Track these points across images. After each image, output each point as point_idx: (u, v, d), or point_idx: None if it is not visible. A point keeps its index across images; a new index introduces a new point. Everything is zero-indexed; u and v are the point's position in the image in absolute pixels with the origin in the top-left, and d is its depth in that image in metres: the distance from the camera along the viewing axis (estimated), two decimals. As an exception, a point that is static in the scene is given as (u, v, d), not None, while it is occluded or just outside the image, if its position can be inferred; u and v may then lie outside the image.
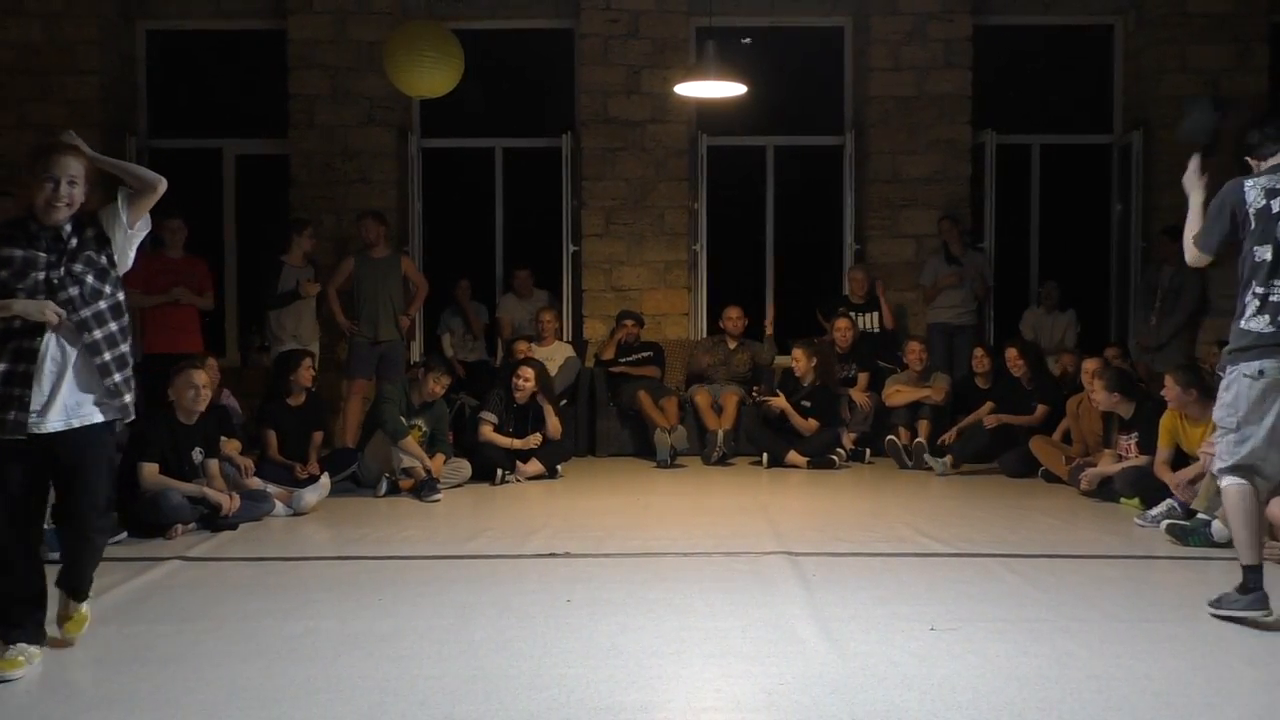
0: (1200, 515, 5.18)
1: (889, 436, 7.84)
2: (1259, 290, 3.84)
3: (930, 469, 7.52)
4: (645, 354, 8.64)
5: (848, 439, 8.10)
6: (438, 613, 3.99)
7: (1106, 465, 6.47)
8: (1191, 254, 4.09)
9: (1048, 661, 3.41)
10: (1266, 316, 3.81)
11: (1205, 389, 5.77)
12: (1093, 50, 9.61)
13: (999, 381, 7.83)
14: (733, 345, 8.69)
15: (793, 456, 7.77)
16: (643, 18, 9.11)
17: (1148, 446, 6.14)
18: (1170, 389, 5.76)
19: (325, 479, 6.36)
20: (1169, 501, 5.62)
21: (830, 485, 7.13)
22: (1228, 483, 3.95)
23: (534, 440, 7.27)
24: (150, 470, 5.41)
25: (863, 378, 8.39)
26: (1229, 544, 4.97)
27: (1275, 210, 3.82)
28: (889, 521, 5.75)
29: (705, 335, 9.24)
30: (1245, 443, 3.87)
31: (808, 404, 7.94)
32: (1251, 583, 3.86)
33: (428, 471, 6.62)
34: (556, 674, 3.30)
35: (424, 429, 6.92)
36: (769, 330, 8.95)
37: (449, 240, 9.66)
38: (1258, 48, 8.92)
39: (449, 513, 6.20)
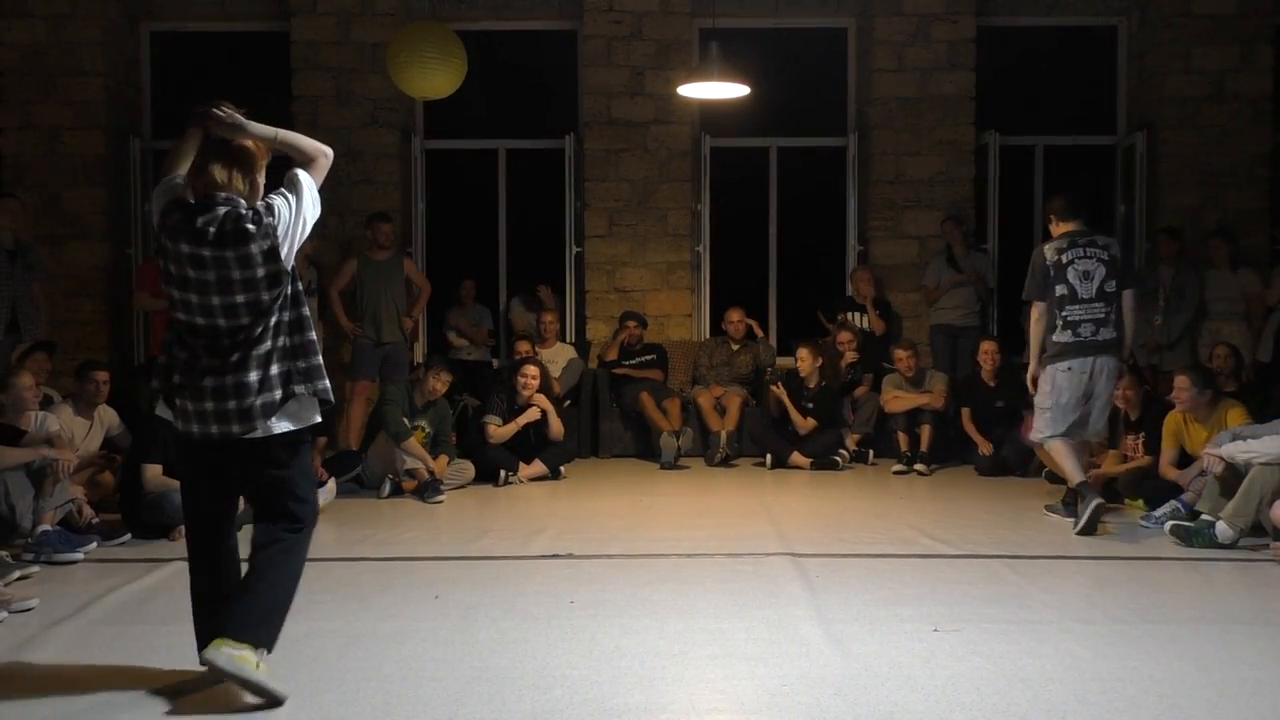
0: (1204, 516, 5.18)
1: (897, 464, 7.71)
2: (1061, 315, 5.61)
3: (921, 473, 7.51)
4: (649, 356, 8.65)
5: (851, 440, 8.10)
6: (441, 613, 4.00)
7: (1110, 467, 6.46)
8: (1036, 310, 5.75)
9: (1051, 663, 3.41)
10: (1069, 331, 5.60)
11: (1217, 390, 5.85)
12: (1097, 51, 9.60)
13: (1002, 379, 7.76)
14: (735, 347, 8.68)
15: (796, 457, 7.76)
16: (646, 19, 9.11)
17: (1154, 447, 6.14)
18: (1184, 390, 5.77)
19: (331, 484, 6.35)
20: (1173, 502, 5.62)
21: (833, 486, 7.12)
22: (1053, 442, 5.69)
23: (534, 415, 7.28)
24: (154, 471, 5.41)
25: (867, 379, 8.39)
26: (1234, 545, 5.01)
27: (1063, 262, 5.63)
28: (892, 523, 5.75)
29: (708, 336, 9.23)
30: (1066, 418, 5.61)
31: (810, 405, 7.94)
32: (1070, 499, 5.73)
33: (431, 473, 6.63)
34: (560, 675, 3.30)
35: (427, 430, 6.92)
36: (759, 333, 8.92)
37: (452, 241, 9.66)
38: (1261, 49, 8.91)
39: (452, 514, 6.21)
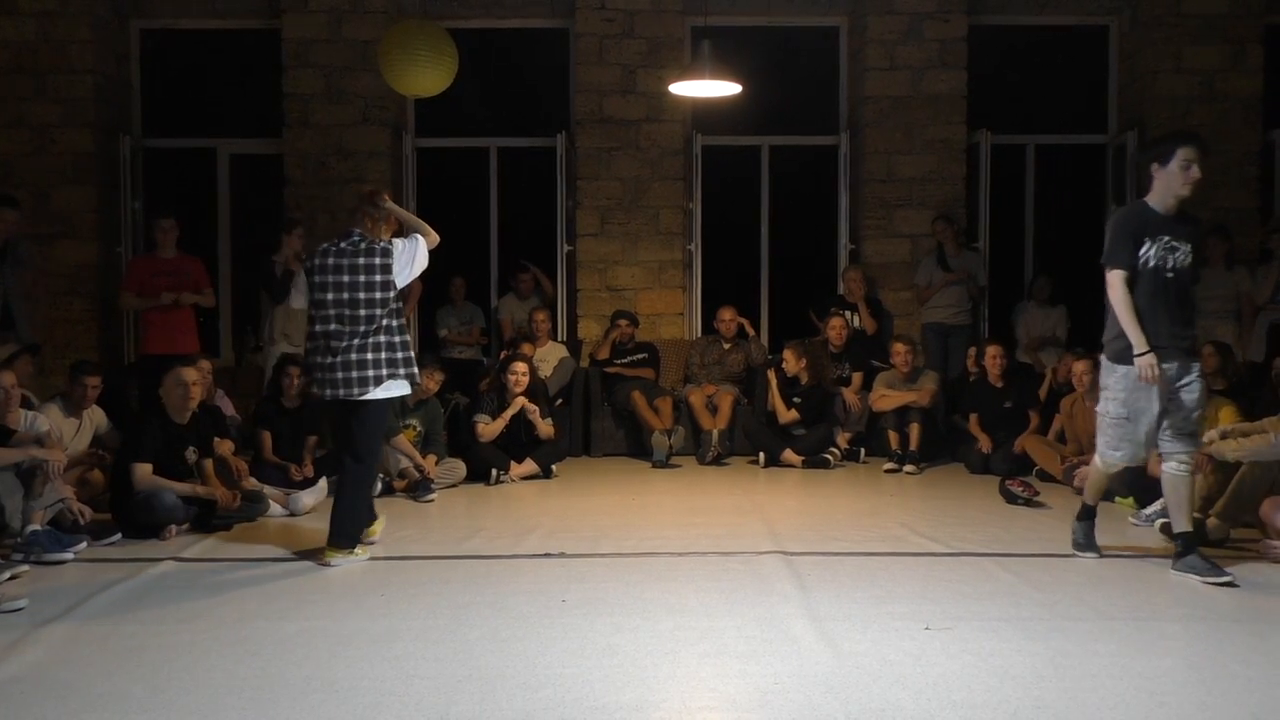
0: (1194, 515, 5.18)
1: (889, 462, 7.69)
2: None
3: (911, 473, 7.51)
4: (640, 355, 8.65)
5: (842, 439, 8.10)
6: (433, 613, 3.99)
7: (1101, 465, 6.47)
8: None
9: (1042, 660, 3.42)
10: None
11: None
12: (1088, 50, 9.63)
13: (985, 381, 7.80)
14: (727, 345, 8.69)
15: (788, 455, 7.77)
16: (638, 17, 9.11)
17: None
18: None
19: (323, 482, 6.35)
20: (1163, 500, 5.61)
21: (825, 485, 7.13)
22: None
23: (517, 405, 7.28)
24: (144, 470, 5.40)
25: (856, 378, 8.38)
26: (1222, 543, 5.02)
27: None
28: (884, 521, 5.76)
29: (700, 335, 9.24)
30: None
31: (798, 400, 7.96)
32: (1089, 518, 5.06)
33: (421, 471, 6.61)
34: (552, 673, 3.30)
35: (419, 428, 6.92)
36: (750, 331, 8.92)
37: (443, 240, 9.61)
38: (1252, 48, 8.95)
39: (444, 513, 6.20)
